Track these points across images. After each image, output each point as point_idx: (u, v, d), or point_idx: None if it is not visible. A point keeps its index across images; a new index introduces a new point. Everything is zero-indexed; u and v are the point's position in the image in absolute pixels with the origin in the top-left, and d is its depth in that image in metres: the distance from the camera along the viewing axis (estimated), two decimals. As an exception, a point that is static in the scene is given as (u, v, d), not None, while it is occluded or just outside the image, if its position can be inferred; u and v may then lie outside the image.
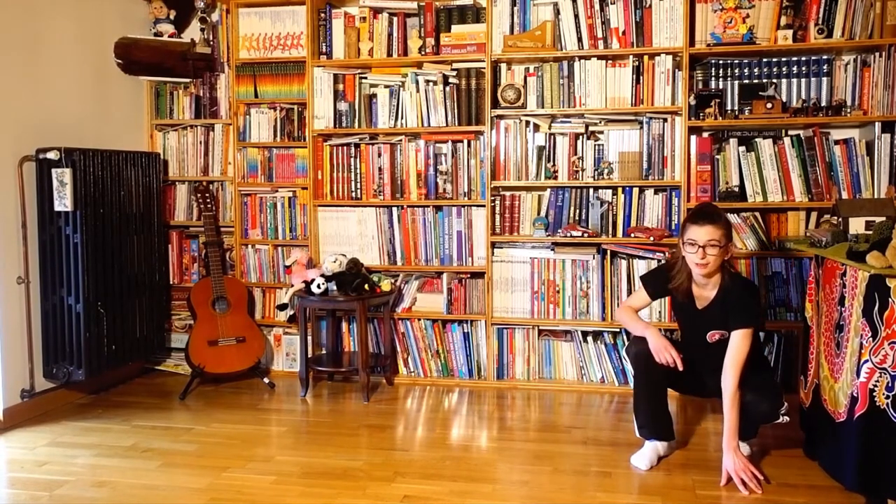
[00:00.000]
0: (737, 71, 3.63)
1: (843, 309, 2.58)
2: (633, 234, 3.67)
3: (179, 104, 4.20)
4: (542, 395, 3.74)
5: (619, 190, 3.74)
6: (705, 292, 2.82)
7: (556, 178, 3.79)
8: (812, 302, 2.95)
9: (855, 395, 2.38)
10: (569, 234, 3.70)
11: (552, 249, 3.81)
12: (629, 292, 3.70)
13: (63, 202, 3.35)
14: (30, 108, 3.42)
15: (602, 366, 3.79)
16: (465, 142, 3.86)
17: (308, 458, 2.93)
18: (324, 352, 4.07)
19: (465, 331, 3.91)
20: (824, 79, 3.57)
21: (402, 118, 3.92)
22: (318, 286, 3.66)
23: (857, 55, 3.53)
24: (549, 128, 3.79)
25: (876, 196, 3.46)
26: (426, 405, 3.65)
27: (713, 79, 3.65)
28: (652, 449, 2.81)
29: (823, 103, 3.53)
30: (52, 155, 3.34)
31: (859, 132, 3.62)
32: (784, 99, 3.56)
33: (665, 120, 3.67)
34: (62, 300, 3.42)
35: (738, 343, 2.67)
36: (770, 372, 2.80)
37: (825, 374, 2.72)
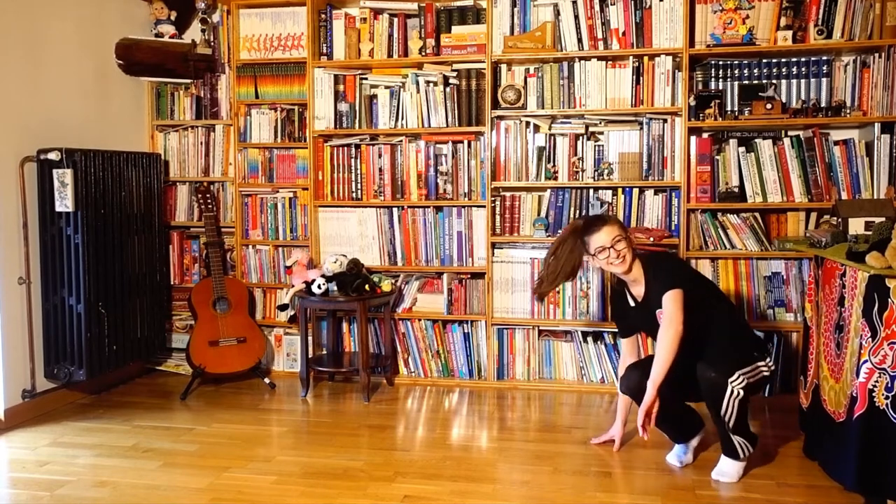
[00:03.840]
0: (736, 72, 3.64)
1: (842, 309, 2.58)
2: (633, 235, 3.67)
3: (180, 105, 4.21)
4: (542, 396, 3.75)
5: (619, 190, 3.74)
6: (638, 286, 2.84)
7: (556, 178, 3.80)
8: (812, 302, 2.96)
9: (854, 395, 2.38)
10: (569, 235, 3.71)
11: (552, 250, 3.81)
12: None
13: (64, 203, 3.35)
14: (31, 108, 3.43)
15: (602, 366, 3.80)
16: (466, 142, 3.87)
17: (309, 458, 2.93)
18: (324, 352, 4.08)
19: (466, 331, 3.92)
20: (824, 79, 3.57)
21: (402, 119, 3.93)
22: (319, 286, 3.67)
23: (857, 56, 3.53)
24: (550, 128, 3.80)
25: (875, 197, 3.46)
26: (426, 405, 3.66)
27: (713, 79, 3.66)
28: (683, 447, 2.83)
29: (823, 104, 3.54)
30: (53, 155, 3.34)
31: (859, 133, 3.62)
32: (784, 100, 3.57)
33: (665, 121, 3.68)
34: (63, 300, 3.43)
35: (666, 306, 2.64)
36: (740, 345, 2.72)
37: (825, 374, 2.72)
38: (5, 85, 3.28)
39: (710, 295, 2.83)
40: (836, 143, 3.54)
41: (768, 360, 2.72)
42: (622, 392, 2.90)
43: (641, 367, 2.78)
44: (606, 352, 3.78)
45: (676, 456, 2.83)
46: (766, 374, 2.70)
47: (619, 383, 2.91)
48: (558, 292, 3.79)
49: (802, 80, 3.59)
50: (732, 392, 2.60)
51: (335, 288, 3.70)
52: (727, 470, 2.69)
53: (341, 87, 3.98)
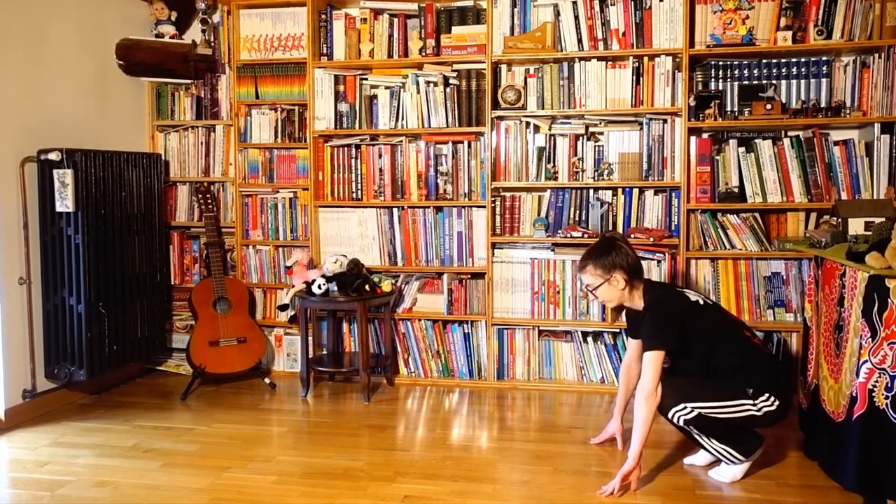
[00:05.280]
0: (736, 72, 3.64)
1: (842, 309, 2.58)
2: (633, 235, 3.68)
3: (180, 105, 4.21)
4: (542, 396, 3.75)
5: (619, 191, 3.75)
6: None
7: (556, 178, 3.80)
8: (811, 302, 2.96)
9: (854, 395, 2.39)
10: (569, 235, 3.71)
11: (552, 250, 3.82)
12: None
13: (64, 203, 3.35)
14: (31, 109, 3.43)
15: (602, 366, 3.80)
16: (466, 143, 3.87)
17: (309, 458, 2.93)
18: (325, 352, 4.08)
19: (466, 331, 3.92)
20: (824, 80, 3.58)
21: (402, 119, 3.93)
22: (319, 287, 3.67)
23: (857, 56, 3.54)
24: (550, 129, 3.80)
25: (875, 197, 3.47)
26: (427, 405, 3.66)
27: (713, 80, 3.66)
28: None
29: (823, 104, 3.54)
30: (53, 156, 3.34)
31: (858, 133, 3.63)
32: (783, 100, 3.57)
33: (665, 121, 3.68)
34: (63, 300, 3.43)
35: (644, 370, 2.62)
36: (715, 383, 2.67)
37: (824, 374, 2.72)
38: (5, 85, 3.28)
39: (710, 328, 2.74)
40: (835, 143, 3.54)
41: (764, 399, 2.61)
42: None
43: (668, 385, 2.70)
44: (606, 352, 3.78)
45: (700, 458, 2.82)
46: (755, 413, 2.61)
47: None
48: (558, 293, 3.80)
49: (802, 81, 3.59)
50: (673, 418, 2.63)
51: (335, 288, 3.70)
52: (721, 470, 2.71)
53: (341, 88, 3.98)
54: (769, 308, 3.63)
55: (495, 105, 3.80)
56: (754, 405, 2.62)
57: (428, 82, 3.87)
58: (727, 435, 2.65)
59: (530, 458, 2.93)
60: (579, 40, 3.71)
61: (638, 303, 2.78)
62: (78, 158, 3.39)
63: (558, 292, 3.80)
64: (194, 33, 4.17)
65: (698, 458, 2.81)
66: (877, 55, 3.47)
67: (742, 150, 3.61)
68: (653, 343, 2.63)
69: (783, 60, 3.60)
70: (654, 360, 2.60)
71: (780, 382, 2.70)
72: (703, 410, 2.60)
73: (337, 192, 4.03)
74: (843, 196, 3.51)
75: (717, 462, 2.73)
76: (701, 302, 2.79)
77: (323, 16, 3.98)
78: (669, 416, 2.63)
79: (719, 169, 3.63)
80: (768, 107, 3.49)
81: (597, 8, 3.67)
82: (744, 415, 2.62)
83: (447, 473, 2.78)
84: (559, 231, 3.77)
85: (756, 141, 3.59)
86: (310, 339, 3.88)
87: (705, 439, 2.66)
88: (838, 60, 3.57)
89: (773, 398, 2.62)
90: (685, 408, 2.60)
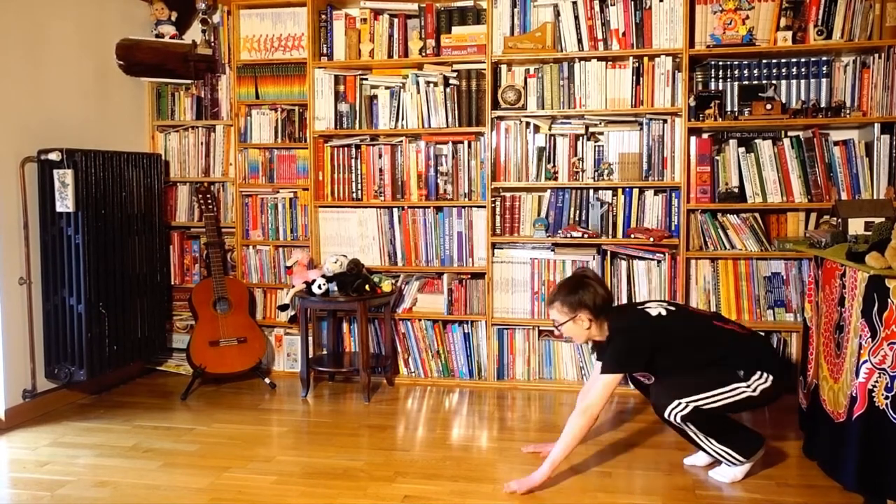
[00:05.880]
0: (736, 72, 3.64)
1: (842, 310, 2.58)
2: (633, 235, 3.68)
3: (181, 105, 4.21)
4: (542, 396, 3.75)
5: (619, 191, 3.75)
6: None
7: (556, 179, 3.80)
8: (811, 302, 2.96)
9: (854, 395, 2.39)
10: (569, 235, 3.71)
11: (552, 250, 3.82)
12: (629, 293, 3.71)
13: (65, 203, 3.36)
14: (31, 109, 3.43)
15: (602, 366, 3.80)
16: (466, 143, 3.87)
17: (309, 458, 2.93)
18: (325, 352, 4.08)
19: (466, 331, 3.92)
20: (824, 80, 3.58)
21: (402, 119, 3.93)
22: (319, 287, 3.67)
23: (857, 56, 3.54)
24: (550, 129, 3.80)
25: (875, 197, 3.47)
26: (427, 405, 3.66)
27: (713, 80, 3.66)
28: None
29: (823, 104, 3.54)
30: (53, 156, 3.34)
31: (858, 133, 3.63)
32: (783, 100, 3.57)
33: (665, 121, 3.68)
34: (64, 301, 3.43)
35: (597, 386, 2.62)
36: (703, 374, 2.63)
37: (824, 374, 2.73)
38: (5, 85, 3.28)
39: (679, 336, 2.71)
40: (835, 143, 3.54)
41: (757, 377, 2.60)
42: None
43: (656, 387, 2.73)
44: (606, 352, 3.78)
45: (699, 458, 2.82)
46: (751, 394, 2.59)
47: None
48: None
49: (802, 81, 3.59)
50: (670, 417, 2.61)
51: (335, 288, 3.70)
52: (721, 470, 2.70)
53: (341, 88, 3.98)
54: (769, 308, 3.63)
55: (495, 105, 3.80)
56: (749, 386, 2.60)
57: (428, 82, 3.88)
58: (727, 435, 2.64)
59: (530, 458, 2.93)
60: (579, 40, 3.71)
61: (604, 333, 2.75)
62: (78, 158, 3.39)
63: (558, 292, 3.80)
64: (194, 33, 4.17)
65: (698, 459, 2.81)
66: (877, 55, 3.47)
67: (742, 150, 3.61)
68: (610, 367, 2.63)
69: (783, 60, 3.60)
70: (607, 383, 2.60)
71: (766, 357, 2.70)
72: (698, 403, 2.58)
73: (337, 192, 4.03)
74: (843, 196, 3.51)
75: (717, 462, 2.73)
76: (664, 312, 2.73)
77: (323, 16, 3.98)
78: (666, 415, 2.62)
79: (719, 169, 3.63)
80: (768, 107, 3.49)
81: (597, 8, 3.67)
82: (740, 398, 2.60)
83: (447, 473, 2.78)
84: (559, 231, 3.77)
85: (756, 141, 3.59)
86: (310, 339, 3.88)
87: (704, 440, 2.65)
88: (838, 60, 3.57)
89: (764, 374, 2.61)
90: (679, 404, 2.59)
